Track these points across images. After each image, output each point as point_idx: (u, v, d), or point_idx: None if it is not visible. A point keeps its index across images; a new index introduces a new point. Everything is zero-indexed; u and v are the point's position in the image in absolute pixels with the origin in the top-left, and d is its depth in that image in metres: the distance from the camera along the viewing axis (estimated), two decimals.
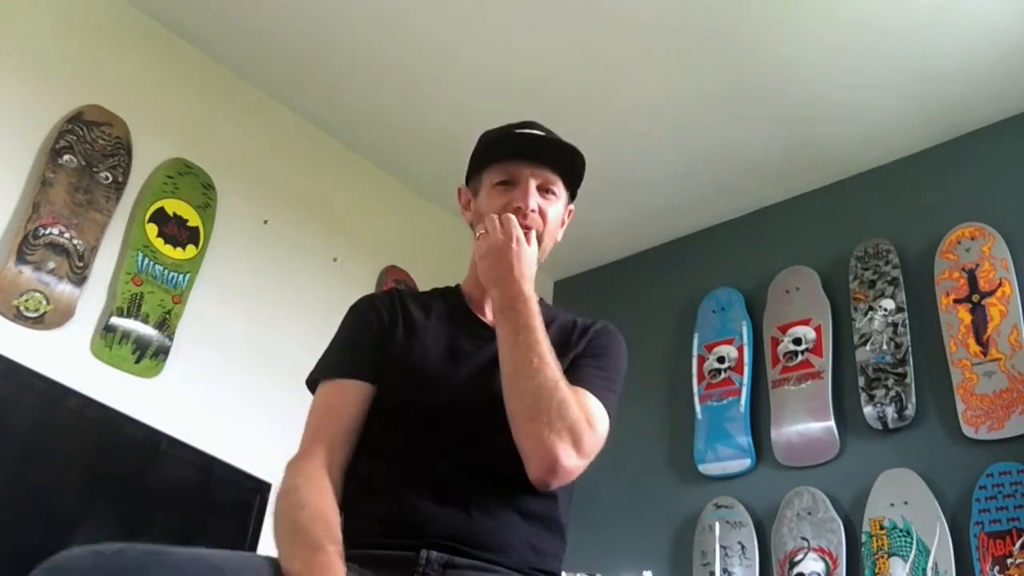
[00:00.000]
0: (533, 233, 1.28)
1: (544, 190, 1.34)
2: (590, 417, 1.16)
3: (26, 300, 2.34)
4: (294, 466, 1.15)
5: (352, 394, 1.23)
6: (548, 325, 1.27)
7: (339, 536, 1.02)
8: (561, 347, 1.28)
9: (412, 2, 2.64)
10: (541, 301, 1.34)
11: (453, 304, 1.36)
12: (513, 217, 1.24)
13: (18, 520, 2.09)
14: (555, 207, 1.34)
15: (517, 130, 1.36)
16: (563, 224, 1.39)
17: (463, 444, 1.17)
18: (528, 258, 1.23)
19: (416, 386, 1.23)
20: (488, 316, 1.34)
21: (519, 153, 1.33)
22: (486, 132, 1.41)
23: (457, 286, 1.42)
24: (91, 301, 2.47)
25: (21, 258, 2.35)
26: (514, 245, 1.22)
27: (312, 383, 1.29)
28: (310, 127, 3.15)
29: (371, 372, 1.25)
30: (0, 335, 2.27)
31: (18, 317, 2.32)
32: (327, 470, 1.14)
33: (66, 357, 2.37)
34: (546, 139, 1.36)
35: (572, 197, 1.41)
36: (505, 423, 1.16)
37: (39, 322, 2.35)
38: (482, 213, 1.30)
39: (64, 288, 2.40)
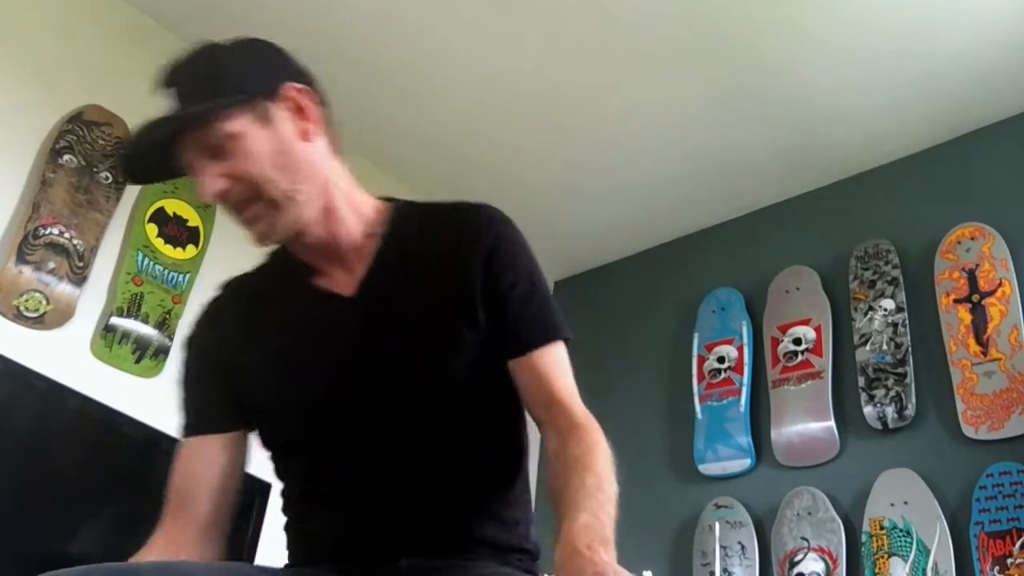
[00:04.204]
0: None
1: (213, 152, 1.03)
2: (581, 408, 1.04)
3: (26, 300, 2.34)
4: (161, 550, 1.02)
5: (213, 453, 1.09)
6: (404, 240, 1.10)
7: None
8: (450, 278, 1.07)
9: (412, 1, 2.64)
10: (393, 205, 1.15)
11: (292, 283, 1.12)
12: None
13: (18, 520, 2.09)
14: (244, 153, 1.03)
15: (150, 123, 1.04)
16: (304, 136, 1.07)
17: (377, 453, 1.04)
18: None
19: (294, 418, 1.07)
20: (328, 279, 1.11)
21: (147, 153, 1.06)
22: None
23: (283, 248, 1.14)
24: (91, 301, 2.47)
25: (21, 258, 2.35)
26: None
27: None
28: None
29: (228, 421, 1.10)
30: (0, 335, 2.27)
31: (18, 317, 2.32)
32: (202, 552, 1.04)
33: (66, 357, 2.37)
34: (152, 133, 1.03)
35: (272, 93, 1.06)
36: (412, 409, 1.04)
37: (39, 322, 2.35)
38: None
39: (64, 288, 2.40)
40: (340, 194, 1.10)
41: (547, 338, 1.08)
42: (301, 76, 1.12)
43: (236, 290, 1.18)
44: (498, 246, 1.10)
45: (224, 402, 1.11)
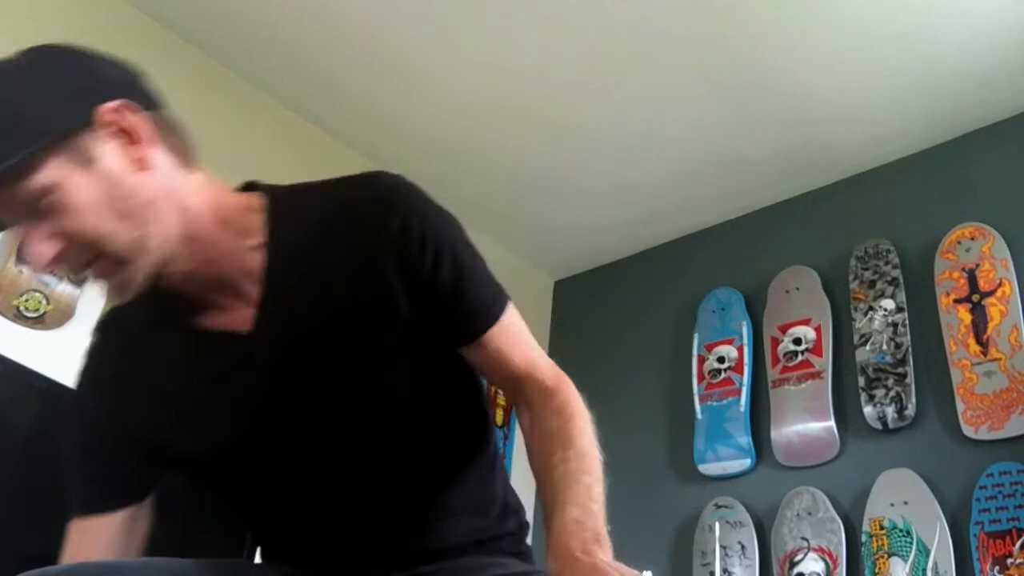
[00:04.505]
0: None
1: (30, 212, 0.83)
2: (548, 371, 0.99)
3: (26, 300, 2.34)
4: None
5: (108, 534, 0.97)
6: (294, 243, 0.93)
7: None
8: (359, 277, 0.92)
9: (411, 0, 2.64)
10: (270, 200, 0.98)
11: (180, 326, 0.96)
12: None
13: (18, 521, 2.08)
14: (68, 209, 0.83)
15: None
16: (139, 165, 0.86)
17: (329, 481, 0.97)
18: None
19: (227, 474, 0.98)
20: (222, 313, 0.95)
21: None
22: None
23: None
24: (91, 301, 2.47)
25: (21, 258, 2.35)
26: None
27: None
28: (309, 125, 3.15)
29: (127, 493, 0.99)
30: (0, 335, 2.27)
31: (18, 317, 2.32)
32: None
33: (66, 357, 2.37)
34: None
35: (86, 121, 0.84)
36: (352, 432, 0.95)
37: (39, 322, 2.35)
38: None
39: (64, 288, 2.40)
40: (203, 213, 0.92)
41: (492, 319, 0.97)
42: (117, 85, 0.88)
43: (118, 339, 1.02)
44: (408, 225, 0.92)
45: (122, 470, 0.99)
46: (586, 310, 3.60)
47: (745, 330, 3.05)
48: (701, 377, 3.09)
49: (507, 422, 3.21)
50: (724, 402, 2.99)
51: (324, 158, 3.18)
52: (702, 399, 3.05)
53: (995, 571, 2.25)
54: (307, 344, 0.93)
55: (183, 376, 0.95)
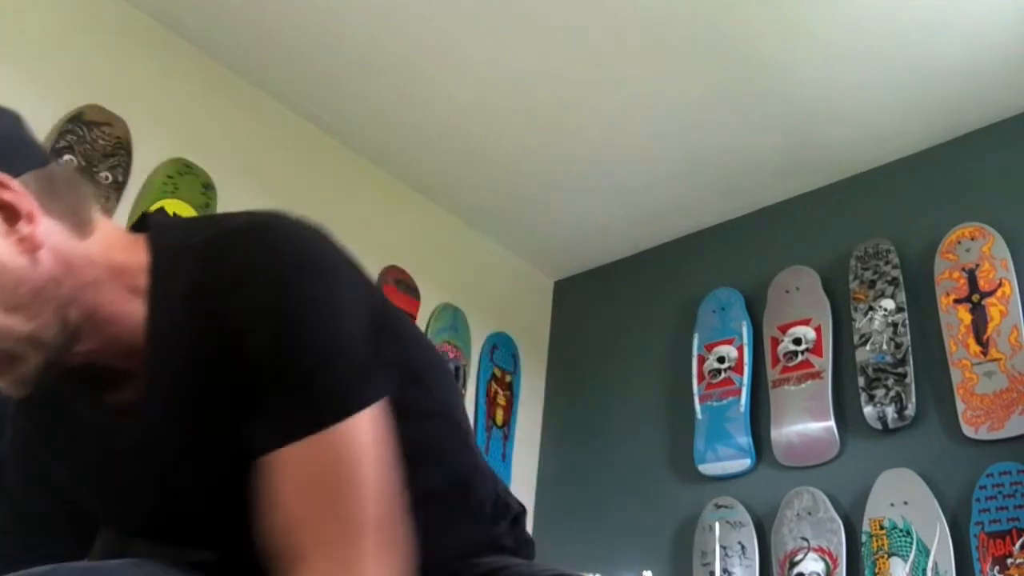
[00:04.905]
0: None
1: None
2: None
3: None
4: None
5: None
6: (170, 314, 0.79)
7: None
8: (213, 359, 0.76)
9: (412, 0, 2.64)
10: (153, 256, 0.81)
11: (83, 402, 0.86)
12: None
13: None
14: None
15: None
16: (27, 247, 0.74)
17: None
18: None
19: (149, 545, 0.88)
20: (127, 384, 0.83)
21: None
22: None
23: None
24: None
25: None
26: None
27: None
28: (310, 127, 3.15)
29: (58, 556, 0.87)
30: None
31: None
32: None
33: None
34: None
35: None
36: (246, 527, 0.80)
37: None
38: None
39: None
40: (105, 284, 0.78)
41: (292, 431, 0.72)
42: None
43: (30, 403, 0.88)
44: (252, 294, 0.75)
45: (50, 529, 0.90)
46: (586, 310, 3.60)
47: (745, 330, 3.05)
48: (701, 377, 3.09)
49: (507, 421, 3.21)
50: (724, 402, 2.99)
51: (325, 159, 3.18)
52: (702, 399, 3.05)
53: (995, 571, 2.25)
54: (185, 425, 0.80)
55: (92, 456, 0.86)
